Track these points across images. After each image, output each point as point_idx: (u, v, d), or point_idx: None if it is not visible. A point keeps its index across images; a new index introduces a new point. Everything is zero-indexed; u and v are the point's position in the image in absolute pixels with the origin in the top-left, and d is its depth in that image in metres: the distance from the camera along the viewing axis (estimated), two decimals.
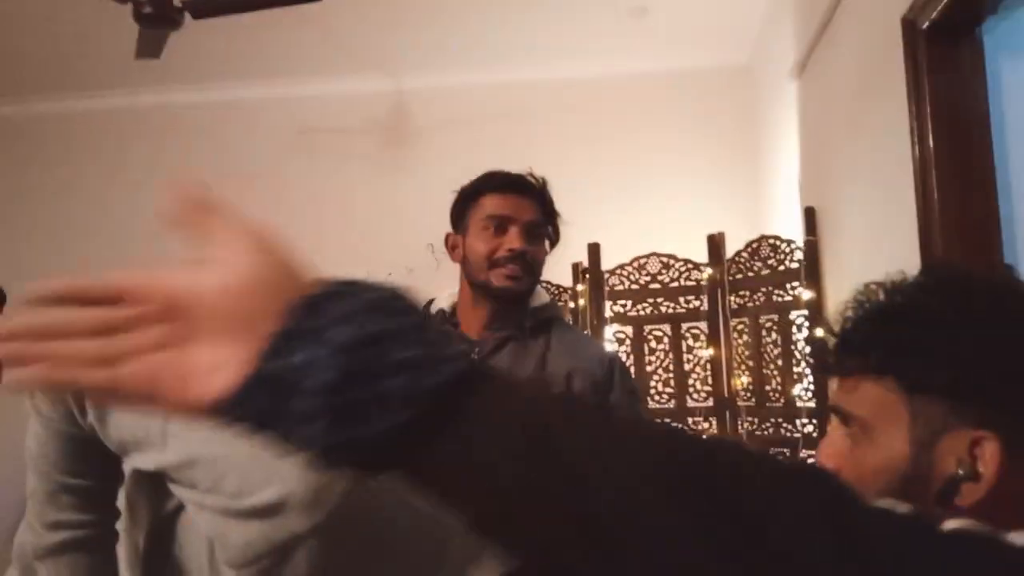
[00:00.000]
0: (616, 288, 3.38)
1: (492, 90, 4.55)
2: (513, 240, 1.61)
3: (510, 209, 1.63)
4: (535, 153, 4.18)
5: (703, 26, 3.99)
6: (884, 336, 0.73)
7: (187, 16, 3.02)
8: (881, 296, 0.75)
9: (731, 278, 3.25)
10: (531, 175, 1.69)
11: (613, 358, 1.68)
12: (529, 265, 1.64)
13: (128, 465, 0.92)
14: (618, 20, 3.93)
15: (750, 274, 3.18)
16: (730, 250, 3.29)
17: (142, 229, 4.29)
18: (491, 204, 1.64)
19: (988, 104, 1.93)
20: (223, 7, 3.08)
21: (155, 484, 0.94)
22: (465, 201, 1.69)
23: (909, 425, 0.70)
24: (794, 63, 3.18)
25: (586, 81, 4.46)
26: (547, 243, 1.71)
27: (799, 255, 2.97)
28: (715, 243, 3.31)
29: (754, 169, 4.14)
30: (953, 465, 0.68)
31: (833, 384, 0.82)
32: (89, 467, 0.94)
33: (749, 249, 3.18)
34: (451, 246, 1.74)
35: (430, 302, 1.78)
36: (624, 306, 3.37)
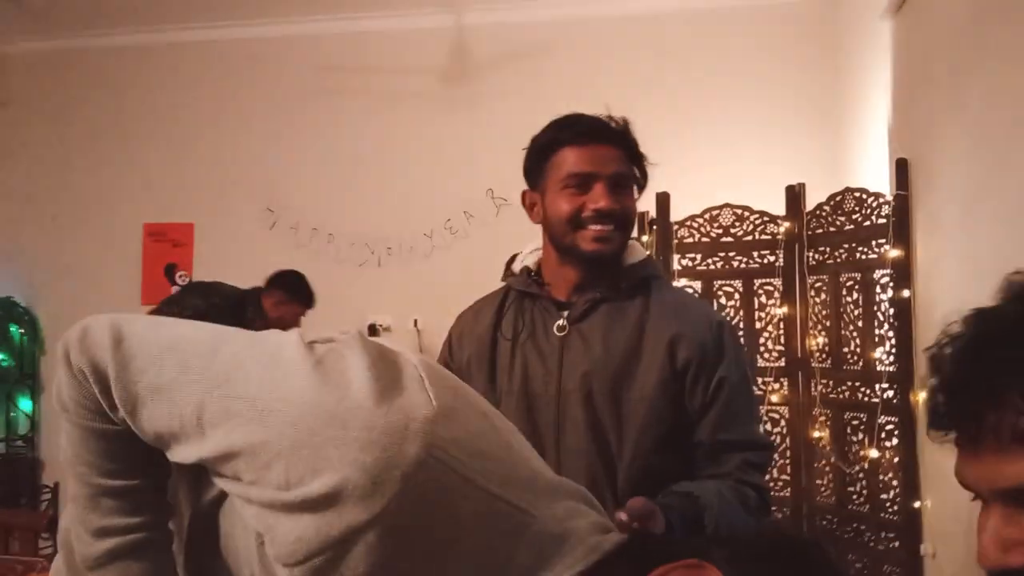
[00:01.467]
0: (685, 241, 3.22)
1: (555, 26, 4.33)
2: (599, 198, 1.42)
3: (592, 163, 1.43)
4: (599, 95, 3.98)
5: None
6: None
7: None
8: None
9: (810, 232, 3.06)
10: (611, 118, 1.49)
11: (722, 323, 1.49)
12: (620, 220, 1.46)
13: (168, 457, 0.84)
14: None
15: (831, 229, 2.99)
16: (810, 202, 3.09)
17: (199, 165, 4.30)
18: (570, 159, 1.45)
19: None
20: None
21: (195, 474, 0.87)
22: (540, 155, 1.51)
23: None
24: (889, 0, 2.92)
25: (655, 16, 4.21)
26: (636, 190, 1.52)
27: (887, 210, 2.77)
28: (794, 195, 3.12)
29: (839, 116, 3.87)
30: None
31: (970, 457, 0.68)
32: (128, 465, 0.86)
33: (832, 202, 2.99)
34: (528, 204, 1.56)
35: (514, 257, 1.63)
36: (693, 260, 3.21)
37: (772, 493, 2.90)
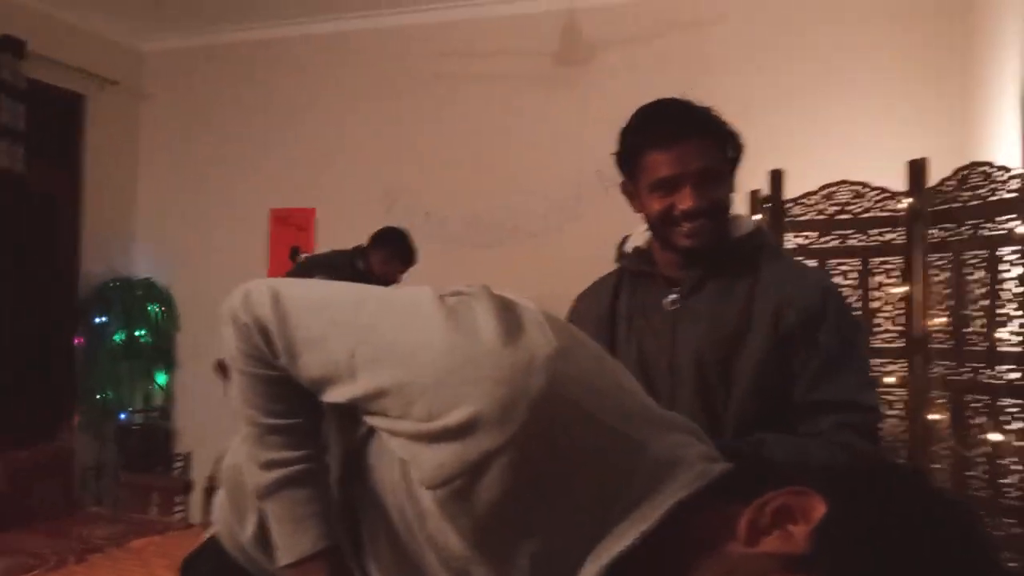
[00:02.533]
0: (800, 219, 3.16)
1: (665, 4, 4.30)
2: (685, 199, 1.44)
3: (675, 165, 1.44)
4: (711, 71, 4.01)
5: None
6: None
7: None
8: None
9: (933, 209, 2.96)
10: (692, 107, 1.48)
11: (828, 288, 1.50)
12: (711, 213, 1.47)
13: (322, 399, 0.95)
14: None
15: (956, 205, 2.87)
16: (934, 177, 2.98)
17: (320, 154, 4.47)
18: (654, 165, 1.46)
19: None
20: None
21: (344, 413, 0.97)
22: (628, 157, 1.53)
23: None
24: None
25: None
26: (732, 175, 1.52)
27: (1016, 184, 2.65)
28: (917, 170, 3.01)
29: (965, 86, 3.69)
30: None
31: None
32: (289, 406, 0.98)
33: (957, 177, 2.87)
34: (628, 195, 1.59)
35: (625, 239, 1.67)
36: (808, 238, 3.15)
37: None
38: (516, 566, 0.81)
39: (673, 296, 1.52)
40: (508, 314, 0.83)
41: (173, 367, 5.19)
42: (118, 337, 4.94)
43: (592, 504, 0.78)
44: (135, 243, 5.36)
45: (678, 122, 1.46)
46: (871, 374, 1.52)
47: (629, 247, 1.64)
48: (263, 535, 1.08)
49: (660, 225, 1.50)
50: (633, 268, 1.60)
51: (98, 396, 4.89)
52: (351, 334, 0.88)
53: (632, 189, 1.55)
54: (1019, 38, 2.90)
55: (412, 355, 0.83)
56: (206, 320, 5.10)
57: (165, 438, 5.10)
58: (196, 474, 4.85)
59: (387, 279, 3.86)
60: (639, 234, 1.64)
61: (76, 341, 4.96)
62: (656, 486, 0.77)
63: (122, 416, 4.99)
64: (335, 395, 0.91)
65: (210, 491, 3.98)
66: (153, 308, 5.08)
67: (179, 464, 5.05)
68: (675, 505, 0.75)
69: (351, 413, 0.94)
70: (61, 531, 3.27)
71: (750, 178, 3.16)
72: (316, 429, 1.01)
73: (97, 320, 4.95)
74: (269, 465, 0.98)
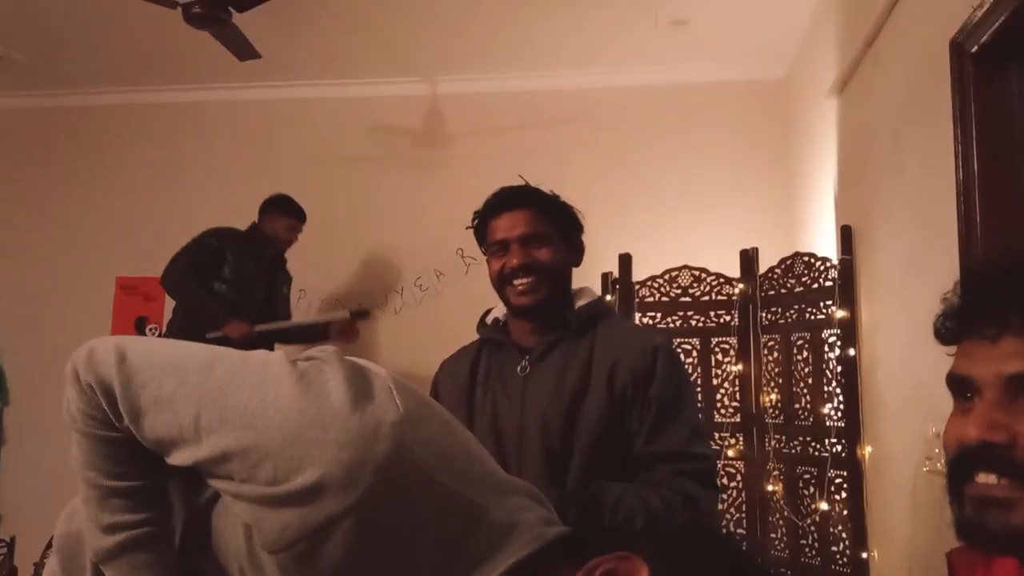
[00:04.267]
0: (646, 300, 3.37)
1: (526, 97, 4.55)
2: (512, 256, 1.65)
3: (504, 230, 1.67)
4: (567, 162, 4.25)
5: (742, 40, 3.97)
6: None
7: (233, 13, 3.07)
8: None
9: (763, 294, 3.23)
10: (520, 185, 1.72)
11: (658, 347, 1.62)
12: (541, 272, 1.65)
13: (167, 461, 0.94)
14: (657, 31, 3.92)
15: (783, 291, 3.15)
16: (763, 266, 3.26)
17: (171, 220, 4.35)
18: (492, 231, 1.69)
19: None
20: None
21: (188, 476, 0.96)
22: (478, 230, 1.75)
23: None
24: (835, 80, 3.16)
25: (621, 90, 4.45)
26: (563, 243, 1.69)
27: (834, 273, 2.94)
28: (748, 258, 3.29)
29: (789, 185, 4.11)
30: None
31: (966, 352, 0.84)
32: (131, 468, 0.97)
33: (783, 265, 3.16)
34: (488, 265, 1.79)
35: (487, 312, 1.81)
36: (654, 318, 3.36)
37: None
38: None
39: (524, 363, 1.66)
40: (358, 379, 0.87)
41: (0, 444, 4.81)
42: None
43: (433, 566, 0.81)
44: None
45: (504, 198, 1.70)
46: (701, 427, 1.66)
47: (489, 319, 1.79)
48: None
49: (499, 287, 1.69)
50: (491, 337, 1.74)
51: None
52: (199, 396, 0.89)
53: (488, 260, 1.75)
54: (832, 148, 3.27)
55: (260, 417, 0.84)
56: (39, 395, 4.77)
57: None
58: (20, 560, 4.46)
59: (288, 243, 4.06)
60: (499, 307, 1.79)
61: None
62: (496, 547, 0.82)
63: None
64: (180, 458, 0.90)
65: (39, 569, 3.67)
66: None
67: (2, 550, 4.63)
68: (512, 565, 0.80)
69: (196, 476, 0.94)
70: None
71: (602, 261, 3.37)
72: (160, 491, 1.00)
73: None
74: (111, 529, 0.96)
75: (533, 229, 1.65)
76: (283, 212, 4.03)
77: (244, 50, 3.43)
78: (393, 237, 4.58)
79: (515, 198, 1.69)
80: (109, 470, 0.96)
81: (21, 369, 4.81)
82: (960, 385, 0.82)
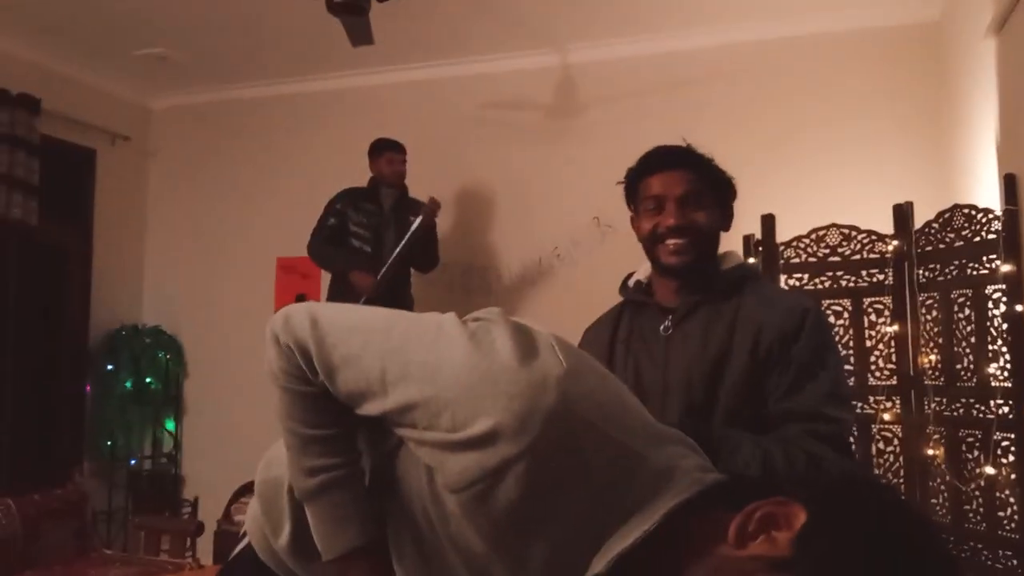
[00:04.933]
0: (792, 261, 3.28)
1: (657, 59, 4.48)
2: (668, 216, 1.65)
3: (662, 187, 1.66)
4: (704, 123, 4.16)
5: None
6: None
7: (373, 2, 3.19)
8: None
9: (919, 250, 3.08)
10: (680, 146, 1.71)
11: (806, 309, 1.61)
12: (696, 234, 1.65)
13: (357, 412, 1.04)
14: None
15: (941, 246, 3.00)
16: (919, 221, 3.11)
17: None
18: (647, 186, 1.69)
19: None
20: None
21: (375, 427, 1.07)
22: (631, 186, 1.75)
23: None
24: (992, 19, 2.94)
25: (759, 44, 4.30)
26: (717, 208, 1.69)
27: (997, 225, 2.77)
28: (902, 213, 3.15)
29: (945, 134, 3.86)
30: None
31: None
32: (327, 419, 1.07)
33: (940, 219, 3.00)
34: (634, 227, 1.78)
35: (629, 275, 1.83)
36: (800, 280, 3.27)
37: None
38: (530, 563, 0.90)
39: (667, 323, 1.68)
40: (523, 337, 0.94)
41: (181, 414, 5.26)
42: (127, 384, 5.02)
43: (597, 508, 0.87)
44: (144, 293, 5.47)
45: (664, 157, 1.70)
46: (844, 391, 1.60)
47: (631, 281, 1.82)
48: (297, 544, 1.16)
49: (650, 244, 1.69)
50: (633, 298, 1.77)
51: (108, 442, 4.95)
52: (383, 354, 0.98)
53: (635, 219, 1.76)
54: (992, 92, 3.05)
55: (438, 372, 0.93)
56: (213, 367, 5.18)
57: (173, 483, 5.15)
58: (204, 518, 4.89)
59: (397, 175, 4.26)
60: (641, 270, 1.82)
61: (86, 388, 5.03)
62: (656, 492, 0.86)
63: (132, 462, 5.05)
64: (369, 409, 1.00)
65: (220, 535, 4.02)
66: (162, 355, 5.17)
67: (187, 509, 5.09)
68: (672, 508, 0.84)
69: (381, 427, 1.04)
70: (74, 573, 3.32)
71: (743, 223, 3.29)
72: (352, 439, 1.10)
73: (107, 368, 5.03)
74: (312, 471, 1.07)
75: (691, 190, 1.65)
76: (377, 151, 4.28)
77: (361, 37, 3.49)
78: (530, 208, 4.64)
79: (675, 158, 1.69)
80: (308, 420, 1.07)
81: (197, 345, 5.25)
82: None
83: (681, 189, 1.65)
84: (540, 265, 4.59)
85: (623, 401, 0.95)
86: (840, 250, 3.22)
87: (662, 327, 1.68)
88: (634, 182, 1.73)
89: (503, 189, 4.72)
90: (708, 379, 1.58)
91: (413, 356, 0.96)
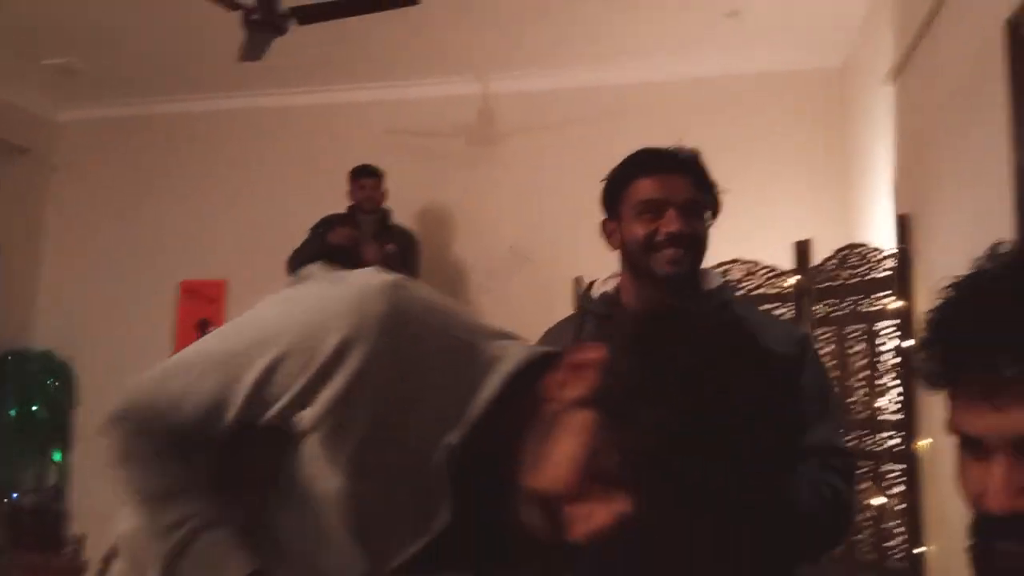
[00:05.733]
0: None
1: (577, 94, 4.54)
2: (671, 222, 1.48)
3: (664, 191, 1.51)
4: (619, 158, 4.19)
5: (797, 28, 3.91)
6: None
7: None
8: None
9: (817, 286, 3.17)
10: (681, 149, 1.58)
11: (805, 336, 1.52)
12: (692, 244, 1.51)
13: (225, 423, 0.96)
14: (711, 22, 3.89)
15: (837, 282, 3.09)
16: (818, 257, 3.21)
17: (233, 225, 4.47)
18: (643, 188, 1.53)
19: None
20: (327, 12, 3.16)
21: (254, 451, 0.99)
22: (616, 187, 1.58)
23: None
24: (891, 66, 3.09)
25: (674, 83, 4.41)
26: (709, 217, 1.57)
27: (890, 263, 2.88)
28: (802, 250, 3.24)
29: (844, 174, 4.02)
30: None
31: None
32: (176, 472, 0.97)
33: (837, 257, 3.10)
34: (607, 233, 1.62)
35: (590, 285, 1.68)
36: None
37: None
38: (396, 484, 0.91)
39: None
40: (335, 276, 0.97)
41: (70, 444, 4.99)
42: (11, 413, 4.74)
43: (443, 398, 0.91)
44: (36, 315, 5.20)
45: (669, 158, 1.56)
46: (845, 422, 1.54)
47: (596, 293, 1.65)
48: None
49: (642, 251, 1.51)
50: (601, 312, 1.61)
51: None
52: (223, 342, 0.98)
53: (613, 225, 1.59)
54: (889, 135, 3.19)
55: (278, 328, 0.93)
56: (108, 394, 4.91)
57: (57, 520, 4.86)
58: (92, 555, 4.63)
59: (372, 201, 4.27)
60: (606, 280, 1.66)
61: None
62: (491, 369, 0.92)
63: (14, 496, 4.76)
64: (233, 405, 0.92)
65: (104, 574, 3.80)
66: (50, 382, 4.90)
67: (72, 546, 4.81)
68: (508, 377, 0.90)
69: (264, 442, 0.95)
70: None
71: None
72: (205, 486, 0.99)
73: None
74: (177, 524, 0.95)
75: (695, 197, 1.52)
76: (352, 177, 4.32)
77: (254, 53, 3.40)
78: (446, 236, 4.61)
79: (678, 162, 1.54)
80: (155, 482, 0.97)
81: (92, 369, 4.99)
82: (965, 440, 0.74)
83: (686, 195, 1.51)
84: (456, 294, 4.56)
85: (454, 308, 1.00)
86: (743, 284, 3.29)
87: None
88: (623, 182, 1.56)
89: (421, 215, 4.67)
90: None
91: (245, 332, 0.96)
